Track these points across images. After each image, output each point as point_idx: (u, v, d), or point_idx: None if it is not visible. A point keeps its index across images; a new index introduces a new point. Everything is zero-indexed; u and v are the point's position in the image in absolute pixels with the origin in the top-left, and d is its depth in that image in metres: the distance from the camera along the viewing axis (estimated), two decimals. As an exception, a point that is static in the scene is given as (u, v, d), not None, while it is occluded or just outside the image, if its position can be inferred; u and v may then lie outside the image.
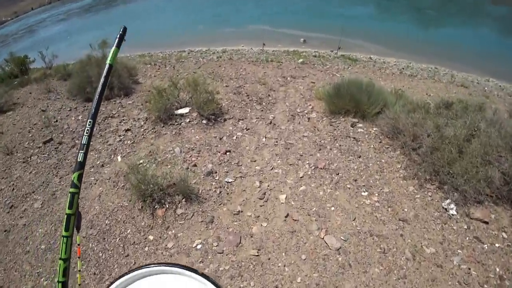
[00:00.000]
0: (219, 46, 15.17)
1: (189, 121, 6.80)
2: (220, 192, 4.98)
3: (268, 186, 5.05)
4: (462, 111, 6.41)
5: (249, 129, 6.61)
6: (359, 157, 5.82)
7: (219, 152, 5.80)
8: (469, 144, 5.46)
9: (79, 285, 1.11)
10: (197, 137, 6.33)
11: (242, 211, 4.66)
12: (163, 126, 6.78)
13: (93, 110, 1.07)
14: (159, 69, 12.55)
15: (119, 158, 6.07)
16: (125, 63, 9.93)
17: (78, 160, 1.02)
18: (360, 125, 6.88)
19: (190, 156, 5.74)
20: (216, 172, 5.37)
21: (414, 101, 7.37)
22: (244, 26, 17.84)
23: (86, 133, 1.03)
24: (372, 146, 6.21)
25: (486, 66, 14.98)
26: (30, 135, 7.38)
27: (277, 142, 6.11)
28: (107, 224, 4.72)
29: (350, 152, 5.88)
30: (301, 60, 12.92)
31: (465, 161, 5.22)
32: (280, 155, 5.69)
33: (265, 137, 6.28)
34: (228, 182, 5.16)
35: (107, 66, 1.12)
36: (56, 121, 7.86)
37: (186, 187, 4.71)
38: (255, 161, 5.61)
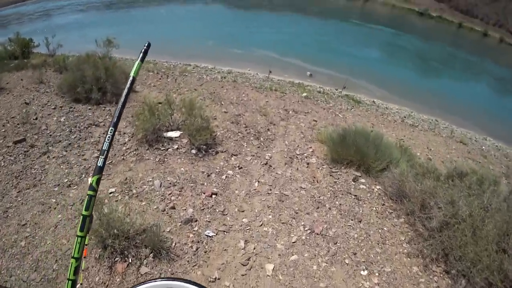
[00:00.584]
0: (225, 65, 14.39)
1: (177, 148, 5.86)
2: (197, 249, 3.99)
3: (255, 249, 4.08)
4: (477, 185, 5.59)
5: (242, 167, 5.68)
6: (360, 221, 4.91)
7: (204, 193, 4.85)
8: (483, 225, 4.61)
9: (81, 284, 1.07)
10: (182, 169, 5.38)
11: (219, 279, 3.66)
12: (147, 149, 5.83)
13: (115, 118, 1.06)
14: (160, 79, 11.66)
15: (89, 180, 5.09)
16: (123, 69, 9.00)
17: (98, 165, 1.04)
18: (363, 180, 6.01)
19: (170, 194, 4.78)
20: (196, 221, 4.40)
21: (423, 163, 6.57)
22: (253, 50, 17.16)
23: (108, 139, 1.05)
24: (374, 208, 5.32)
25: (484, 124, 14.54)
26: (3, 130, 6.34)
27: (270, 190, 5.17)
28: (54, 270, 3.68)
29: (350, 215, 4.97)
30: (305, 94, 12.14)
31: (480, 247, 4.36)
32: (273, 209, 4.74)
33: (258, 181, 5.34)
34: (208, 236, 4.19)
35: (130, 78, 1.12)
36: (36, 118, 6.85)
37: (157, 237, 3.72)
38: (243, 211, 4.66)
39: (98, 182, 1.05)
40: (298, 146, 7.05)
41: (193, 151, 5.78)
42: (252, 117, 8.29)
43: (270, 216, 4.58)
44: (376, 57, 20.79)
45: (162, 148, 5.82)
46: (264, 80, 13.32)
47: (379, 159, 6.32)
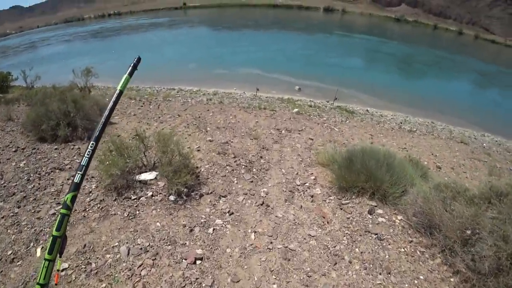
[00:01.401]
0: (210, 87, 13.15)
1: (152, 195, 4.47)
2: None
3: None
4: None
5: (233, 213, 4.31)
6: (389, 273, 3.57)
7: (186, 259, 3.46)
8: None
9: None
10: (158, 224, 4.00)
11: None
12: (115, 199, 4.45)
13: (97, 132, 0.99)
14: (142, 106, 10.39)
15: (38, 252, 3.71)
16: (96, 100, 7.66)
17: (75, 181, 0.93)
18: (380, 211, 4.69)
19: (141, 266, 3.38)
20: (173, 312, 3.02)
21: (448, 182, 5.29)
22: (238, 69, 15.97)
23: (88, 154, 0.96)
24: (402, 249, 3.99)
25: (479, 121, 13.58)
26: None
27: (271, 243, 3.79)
28: None
29: (376, 265, 3.62)
30: (296, 109, 10.91)
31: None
32: (277, 274, 3.36)
33: (255, 232, 3.97)
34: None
35: (117, 91, 1.06)
36: (-7, 164, 5.56)
37: None
38: (238, 281, 3.26)
39: (73, 200, 0.92)
40: (297, 173, 5.74)
41: (172, 198, 4.41)
42: (241, 143, 6.99)
43: (275, 286, 3.21)
44: (361, 65, 19.75)
45: (134, 197, 4.44)
46: (252, 98, 12.09)
47: (396, 182, 5.03)
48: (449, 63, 22.42)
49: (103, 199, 4.48)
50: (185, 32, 26.78)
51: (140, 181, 4.70)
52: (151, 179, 4.74)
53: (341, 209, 4.73)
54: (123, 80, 1.08)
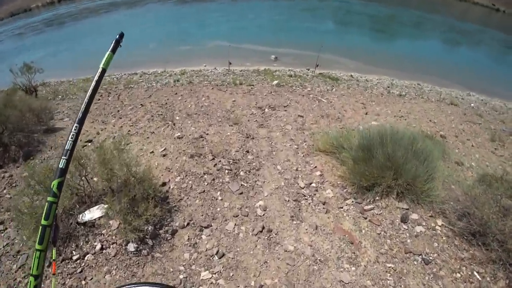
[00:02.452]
0: (177, 66, 11.22)
1: (102, 248, 2.87)
2: None
3: None
4: None
5: (224, 254, 2.81)
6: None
7: None
8: None
9: None
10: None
11: None
12: (48, 265, 2.84)
13: (81, 114, 0.89)
14: (100, 99, 8.48)
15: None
16: (29, 103, 5.74)
17: (59, 166, 0.84)
18: (415, 216, 3.38)
19: None
20: None
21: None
22: (206, 43, 13.81)
23: (71, 138, 0.86)
24: (458, 274, 2.76)
25: (461, 79, 12.65)
26: None
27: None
28: None
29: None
30: (275, 81, 9.30)
31: None
32: None
33: (262, 287, 2.54)
34: None
35: (100, 69, 0.95)
36: None
37: None
38: None
39: (60, 186, 0.82)
40: (296, 169, 4.30)
41: (131, 247, 2.83)
42: (219, 134, 5.41)
43: None
44: (338, 28, 18.00)
45: (76, 256, 2.82)
46: (224, 74, 10.33)
47: (428, 174, 3.69)
48: (420, 22, 21.13)
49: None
50: (148, 9, 23.55)
51: (84, 224, 3.07)
52: (97, 218, 3.11)
53: (366, 218, 3.37)
54: (105, 57, 0.95)
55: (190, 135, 5.24)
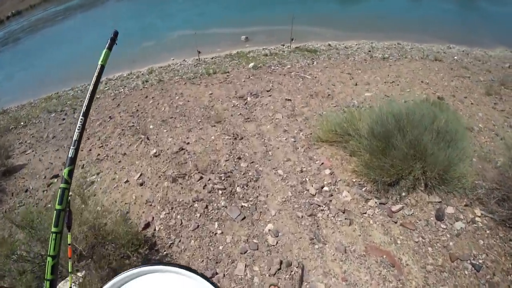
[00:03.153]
0: (143, 65, 10.03)
1: None
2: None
3: None
4: None
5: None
6: None
7: None
8: None
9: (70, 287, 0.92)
10: None
11: None
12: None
13: (85, 108, 0.93)
14: (64, 119, 7.40)
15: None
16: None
17: (69, 156, 0.89)
18: (450, 210, 2.65)
19: None
20: None
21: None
22: (169, 35, 12.38)
23: (78, 129, 0.92)
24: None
25: (438, 33, 11.84)
26: None
27: None
28: None
29: None
30: (252, 64, 8.34)
31: None
32: None
33: None
34: None
35: (99, 66, 0.99)
36: None
37: None
38: None
39: (70, 174, 0.87)
40: (301, 170, 3.47)
41: None
42: (202, 140, 4.50)
43: None
44: None
45: None
46: (195, 65, 9.25)
47: (460, 158, 2.93)
48: None
49: None
50: (106, 8, 21.41)
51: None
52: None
53: (396, 223, 2.61)
54: (103, 54, 0.98)
55: (168, 149, 4.31)
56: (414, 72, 7.94)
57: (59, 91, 10.39)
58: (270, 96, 6.03)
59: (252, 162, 3.78)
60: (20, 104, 10.38)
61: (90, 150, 5.30)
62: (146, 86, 8.29)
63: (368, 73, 7.66)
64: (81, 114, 0.93)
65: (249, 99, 6.00)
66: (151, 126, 5.56)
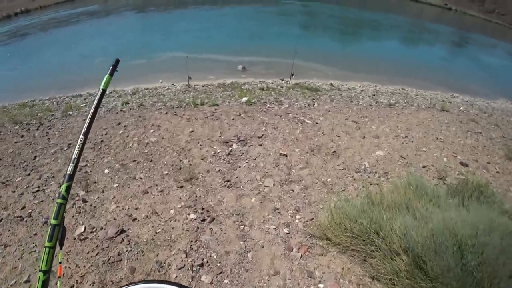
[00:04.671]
0: (129, 84, 8.50)
1: None
2: None
3: None
4: None
5: None
6: None
7: None
8: None
9: None
10: None
11: None
12: None
13: (85, 128, 0.92)
14: (22, 137, 5.78)
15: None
16: None
17: (67, 172, 0.84)
18: None
19: None
20: None
21: None
22: (163, 55, 10.90)
23: (78, 147, 0.89)
24: None
25: (441, 80, 10.75)
26: None
27: None
28: None
29: None
30: (245, 98, 6.88)
31: None
32: None
33: None
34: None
35: (100, 90, 0.97)
36: None
37: None
38: None
39: (68, 190, 0.82)
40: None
41: None
42: (156, 216, 2.89)
43: None
44: (305, 32, 15.61)
45: None
46: (183, 91, 7.75)
47: None
48: (379, 24, 19.23)
49: None
50: (116, 20, 19.73)
51: None
52: None
53: None
54: (104, 79, 0.98)
55: (103, 228, 2.70)
56: (424, 125, 6.60)
57: (36, 99, 8.75)
58: (261, 145, 4.51)
59: (220, 273, 2.19)
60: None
61: (21, 194, 3.68)
62: (124, 109, 6.73)
63: (376, 123, 6.25)
64: (82, 134, 0.90)
65: (234, 146, 4.47)
66: (106, 171, 3.97)
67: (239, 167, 3.79)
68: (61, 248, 0.80)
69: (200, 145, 4.64)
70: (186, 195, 3.19)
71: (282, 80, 8.61)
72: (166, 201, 3.10)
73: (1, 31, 19.12)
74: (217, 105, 6.55)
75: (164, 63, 9.99)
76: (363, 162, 4.43)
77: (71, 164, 0.86)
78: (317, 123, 5.77)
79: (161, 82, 8.58)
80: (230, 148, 4.44)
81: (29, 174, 4.26)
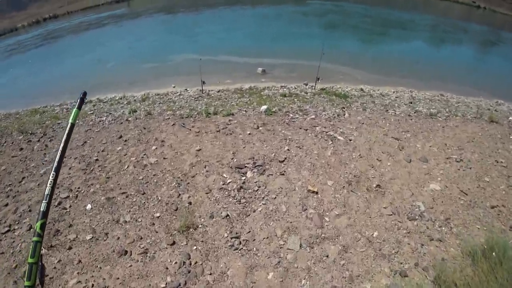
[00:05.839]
0: (140, 89, 7.55)
1: None
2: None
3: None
4: None
5: None
6: None
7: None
8: None
9: None
10: None
11: None
12: None
13: (56, 163, 0.89)
14: (20, 150, 5.03)
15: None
16: None
17: (41, 209, 0.81)
18: None
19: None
20: None
21: None
22: (177, 57, 9.70)
23: (50, 184, 0.85)
24: None
25: (481, 84, 9.04)
26: None
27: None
28: None
29: None
30: (264, 106, 5.74)
31: None
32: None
33: None
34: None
35: (69, 125, 0.95)
36: None
37: None
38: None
39: (43, 227, 0.79)
40: None
41: None
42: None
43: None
44: (332, 33, 14.04)
45: None
46: (196, 98, 6.70)
47: None
48: (410, 23, 17.35)
49: None
50: (141, 22, 18.77)
51: None
52: None
53: None
54: (73, 113, 0.95)
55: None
56: (477, 142, 5.27)
57: (48, 105, 8.01)
58: (283, 174, 3.38)
59: None
60: (8, 112, 8.07)
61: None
62: (129, 118, 5.79)
63: (420, 139, 4.97)
64: (53, 169, 0.85)
65: (249, 175, 3.37)
66: (88, 206, 3.02)
67: (254, 211, 2.69)
68: (42, 286, 0.76)
69: (207, 170, 3.57)
70: (176, 262, 2.13)
71: (307, 85, 7.39)
72: (147, 274, 2.05)
73: (30, 36, 18.84)
74: (232, 115, 5.46)
75: (178, 66, 8.99)
76: (416, 201, 3.21)
77: (44, 201, 0.81)
78: (350, 140, 4.55)
79: (174, 87, 7.58)
80: (244, 178, 3.34)
81: (6, 205, 3.38)
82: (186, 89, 7.20)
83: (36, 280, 0.73)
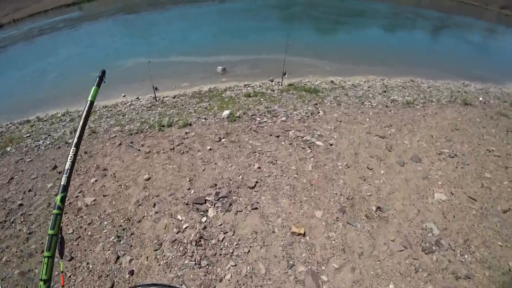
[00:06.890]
0: (86, 102, 6.18)
1: None
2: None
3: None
4: None
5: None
6: None
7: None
8: None
9: None
10: None
11: None
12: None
13: (76, 139, 0.82)
14: None
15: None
16: None
17: (62, 183, 0.76)
18: None
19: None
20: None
21: None
22: (127, 62, 8.33)
23: (70, 159, 0.79)
24: None
25: (449, 68, 8.78)
26: None
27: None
28: None
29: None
30: (227, 112, 4.80)
31: None
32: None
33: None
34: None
35: (88, 102, 0.87)
36: None
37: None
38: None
39: (63, 200, 0.74)
40: None
41: None
42: None
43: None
44: (296, 25, 13.15)
45: None
46: (149, 107, 5.57)
47: None
48: (372, 12, 17.06)
49: None
50: (99, 26, 16.50)
51: None
52: None
53: None
54: (92, 90, 0.88)
55: None
56: (461, 130, 4.79)
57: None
58: (255, 209, 2.50)
59: None
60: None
61: None
62: (70, 140, 4.61)
63: (406, 133, 4.32)
64: (73, 145, 0.81)
65: (211, 213, 2.46)
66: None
67: (221, 280, 1.76)
68: (61, 258, 0.74)
69: (156, 211, 2.59)
70: None
71: (273, 81, 6.51)
72: None
73: None
74: (190, 125, 4.47)
75: (130, 72, 7.68)
76: (426, 222, 2.46)
77: (64, 176, 0.76)
78: (331, 144, 3.75)
79: (124, 96, 6.37)
80: (204, 218, 2.40)
81: None
82: (137, 98, 6.05)
83: (56, 252, 0.69)
